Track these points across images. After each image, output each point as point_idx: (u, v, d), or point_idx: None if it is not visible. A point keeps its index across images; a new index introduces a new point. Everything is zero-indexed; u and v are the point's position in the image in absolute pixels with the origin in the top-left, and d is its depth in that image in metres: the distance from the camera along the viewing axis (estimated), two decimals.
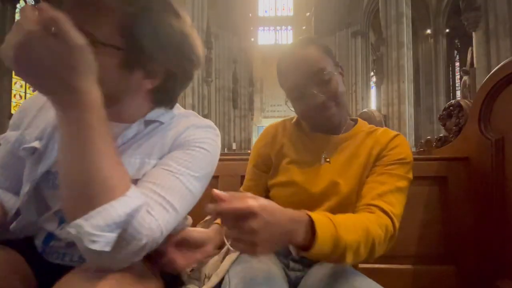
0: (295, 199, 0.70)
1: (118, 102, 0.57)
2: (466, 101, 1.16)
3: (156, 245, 0.50)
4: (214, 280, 0.60)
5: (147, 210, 0.47)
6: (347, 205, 0.67)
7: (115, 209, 0.42)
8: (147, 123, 0.60)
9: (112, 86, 0.53)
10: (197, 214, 0.99)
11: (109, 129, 0.45)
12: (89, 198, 0.42)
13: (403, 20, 10.82)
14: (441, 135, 1.30)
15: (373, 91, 17.63)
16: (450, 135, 1.19)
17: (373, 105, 17.27)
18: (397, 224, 0.60)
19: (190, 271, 0.71)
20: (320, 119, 0.71)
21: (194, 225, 0.83)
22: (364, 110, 2.73)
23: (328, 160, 0.72)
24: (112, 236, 0.41)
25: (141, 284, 0.50)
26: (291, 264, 0.72)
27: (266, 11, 27.49)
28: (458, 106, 1.16)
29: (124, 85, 0.55)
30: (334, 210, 0.66)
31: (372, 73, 15.40)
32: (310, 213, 0.48)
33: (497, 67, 0.91)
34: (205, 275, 0.66)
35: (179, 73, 0.59)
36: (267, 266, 0.61)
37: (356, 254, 0.52)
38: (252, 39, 21.44)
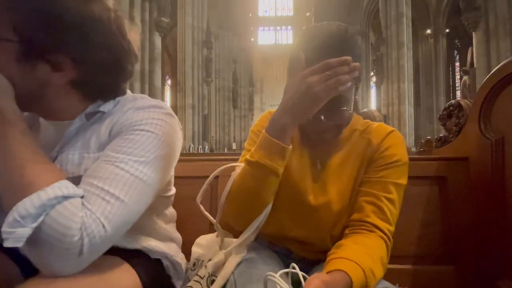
0: (289, 199, 0.68)
1: (40, 100, 0.54)
2: (466, 101, 1.16)
3: (107, 241, 0.47)
4: (220, 282, 0.59)
5: (83, 204, 0.45)
6: (340, 214, 0.66)
7: (24, 204, 0.41)
8: (89, 116, 0.57)
9: (19, 84, 0.51)
10: (194, 213, 0.99)
11: (27, 135, 0.48)
12: (10, 199, 0.43)
13: (403, 20, 10.82)
14: (441, 135, 1.30)
15: (373, 91, 17.62)
16: (450, 135, 1.19)
17: (373, 105, 17.26)
18: (392, 239, 0.62)
19: (193, 266, 0.71)
20: (313, 135, 0.68)
21: (190, 230, 0.83)
22: (364, 110, 2.73)
23: (323, 164, 0.69)
24: (23, 231, 0.40)
25: (105, 283, 0.49)
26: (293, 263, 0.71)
27: (266, 11, 27.49)
28: (458, 106, 1.16)
29: (31, 81, 0.51)
30: (326, 220, 0.67)
31: (372, 73, 15.39)
32: (350, 275, 0.49)
33: (497, 67, 0.91)
34: (209, 274, 0.65)
35: (93, 64, 0.53)
36: (272, 267, 0.61)
37: (379, 277, 0.56)
38: (252, 39, 21.44)
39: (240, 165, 0.65)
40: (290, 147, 0.58)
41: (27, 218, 0.41)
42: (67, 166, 0.54)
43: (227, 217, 0.67)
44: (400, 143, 0.67)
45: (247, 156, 0.60)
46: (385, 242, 0.60)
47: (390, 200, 0.63)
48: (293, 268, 0.49)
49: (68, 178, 0.49)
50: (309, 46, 0.61)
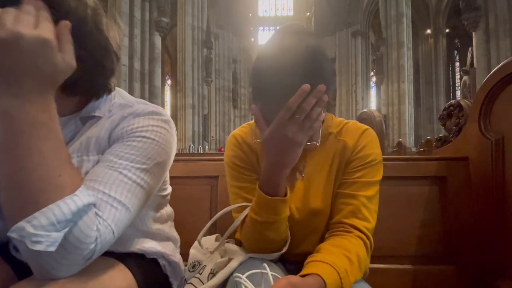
0: None
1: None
2: (466, 101, 1.16)
3: (108, 247, 0.48)
4: (221, 277, 0.60)
5: (95, 211, 0.45)
6: (327, 220, 0.67)
7: (60, 208, 0.41)
8: (84, 120, 0.58)
9: None
10: (194, 213, 0.99)
11: (58, 126, 0.45)
12: (35, 199, 0.41)
13: (403, 20, 10.84)
14: (441, 135, 1.30)
15: (373, 91, 17.64)
16: (450, 135, 1.19)
17: (373, 105, 17.28)
18: (371, 238, 0.62)
19: (192, 268, 0.71)
20: None
21: (190, 230, 0.83)
22: (364, 110, 2.73)
23: (302, 173, 0.68)
24: (57, 235, 0.40)
25: (97, 284, 0.48)
26: (286, 265, 0.71)
27: (266, 11, 27.46)
28: (458, 106, 1.16)
29: None
30: (314, 228, 0.67)
31: (372, 73, 15.40)
32: (324, 278, 0.50)
33: (497, 67, 0.91)
34: (210, 271, 0.65)
35: (93, 62, 0.54)
36: (273, 268, 0.61)
37: (355, 278, 0.56)
38: (252, 39, 21.42)
39: (239, 205, 0.65)
40: (288, 195, 0.59)
41: (62, 223, 0.40)
42: None
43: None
44: (374, 141, 0.67)
45: (254, 216, 0.60)
46: (363, 240, 0.61)
47: (368, 198, 0.63)
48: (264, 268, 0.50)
49: None
50: (271, 68, 0.55)
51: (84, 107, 0.58)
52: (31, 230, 0.39)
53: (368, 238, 0.62)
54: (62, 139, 0.46)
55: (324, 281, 0.49)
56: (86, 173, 0.52)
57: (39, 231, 0.39)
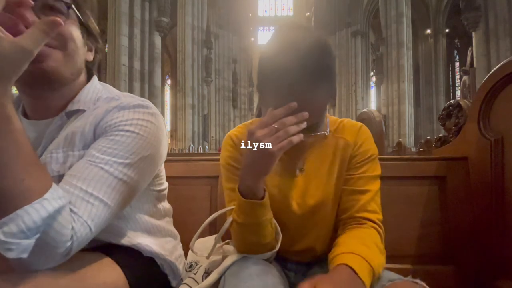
0: (274, 212, 0.64)
1: (62, 87, 0.57)
2: (466, 101, 1.16)
3: (89, 240, 0.48)
4: (215, 276, 0.60)
5: (70, 208, 0.45)
6: (327, 217, 0.67)
7: (29, 214, 0.40)
8: (69, 114, 0.57)
9: (79, 63, 0.57)
10: (194, 213, 0.99)
11: (20, 127, 0.42)
12: (4, 207, 0.40)
13: (403, 20, 10.83)
14: (441, 135, 1.31)
15: (373, 91, 17.63)
16: (449, 135, 1.19)
17: (373, 105, 17.28)
18: (382, 227, 0.64)
19: (189, 268, 0.71)
20: None
21: (190, 230, 0.83)
22: (363, 110, 2.73)
23: (302, 170, 0.69)
24: (28, 243, 0.40)
25: (82, 278, 0.48)
26: (288, 265, 0.71)
27: (266, 11, 27.47)
28: (458, 106, 1.16)
29: (82, 61, 0.60)
30: (314, 225, 0.67)
31: (372, 73, 15.40)
32: (351, 265, 0.50)
33: (496, 67, 0.91)
34: (205, 270, 0.66)
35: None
36: (261, 266, 0.60)
37: (380, 262, 0.57)
38: (252, 39, 21.43)
39: (230, 209, 0.65)
40: (265, 198, 0.58)
41: (32, 230, 0.40)
42: (51, 165, 0.53)
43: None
44: (370, 137, 0.70)
45: (235, 217, 0.60)
46: (377, 230, 0.63)
47: (374, 192, 0.66)
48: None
49: (53, 177, 0.48)
50: (283, 58, 0.54)
51: (69, 104, 0.58)
52: (1, 237, 0.39)
53: (380, 227, 0.63)
54: (24, 138, 0.42)
55: (351, 267, 0.49)
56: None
57: (9, 239, 0.39)
